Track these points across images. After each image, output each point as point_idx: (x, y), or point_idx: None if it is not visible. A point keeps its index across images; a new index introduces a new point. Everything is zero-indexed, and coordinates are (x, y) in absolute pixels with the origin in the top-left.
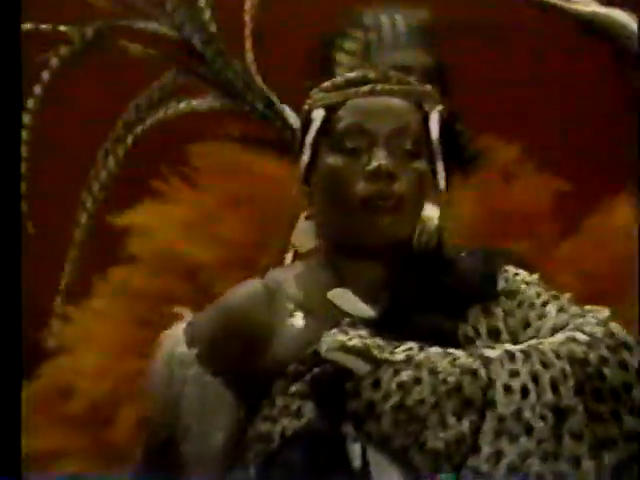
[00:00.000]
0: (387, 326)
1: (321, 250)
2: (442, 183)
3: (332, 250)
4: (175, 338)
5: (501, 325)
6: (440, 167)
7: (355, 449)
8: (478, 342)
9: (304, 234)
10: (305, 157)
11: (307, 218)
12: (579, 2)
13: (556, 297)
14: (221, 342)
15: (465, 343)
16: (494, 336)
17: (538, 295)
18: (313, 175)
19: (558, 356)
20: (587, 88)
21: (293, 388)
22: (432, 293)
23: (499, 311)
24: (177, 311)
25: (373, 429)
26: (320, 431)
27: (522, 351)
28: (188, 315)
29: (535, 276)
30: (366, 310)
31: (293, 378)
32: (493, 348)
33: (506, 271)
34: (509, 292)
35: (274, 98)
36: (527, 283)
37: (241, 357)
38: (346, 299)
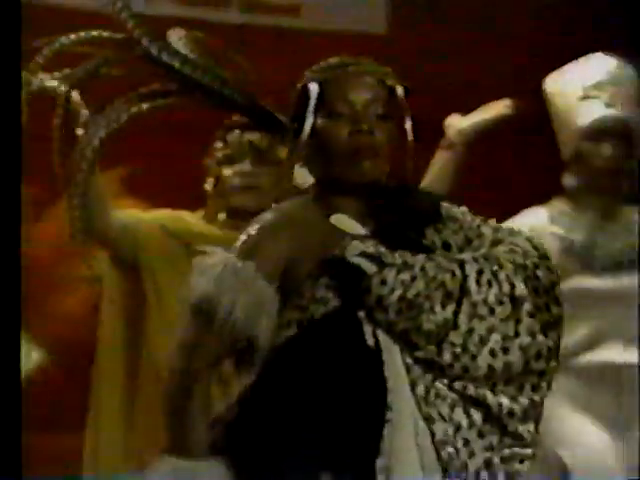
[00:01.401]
0: (378, 240)
1: (315, 188)
2: (410, 135)
3: (325, 188)
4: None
5: (451, 240)
6: (408, 124)
7: (368, 331)
8: (438, 252)
9: (303, 176)
10: (309, 120)
11: (301, 166)
12: None
13: (485, 221)
14: (270, 245)
15: (427, 253)
16: (447, 248)
17: (473, 220)
18: (301, 136)
19: (507, 260)
20: None
21: (321, 281)
22: (400, 217)
23: (447, 230)
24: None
25: (381, 317)
26: (342, 315)
27: (482, 256)
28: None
29: (465, 208)
30: (360, 229)
31: (319, 275)
32: (465, 254)
33: (443, 205)
34: (451, 218)
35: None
36: (462, 213)
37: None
38: (345, 221)
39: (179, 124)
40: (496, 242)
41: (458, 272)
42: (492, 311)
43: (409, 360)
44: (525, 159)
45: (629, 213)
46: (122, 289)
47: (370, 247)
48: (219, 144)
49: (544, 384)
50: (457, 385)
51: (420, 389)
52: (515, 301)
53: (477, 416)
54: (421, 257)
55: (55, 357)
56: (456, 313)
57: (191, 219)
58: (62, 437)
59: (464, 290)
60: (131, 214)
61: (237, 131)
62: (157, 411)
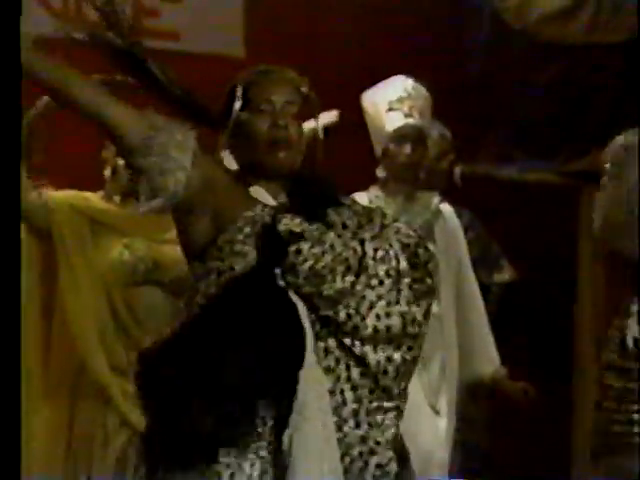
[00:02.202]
0: (290, 212)
1: (238, 172)
2: (321, 133)
3: (246, 172)
4: None
5: (348, 222)
6: (320, 123)
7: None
8: (337, 229)
9: (229, 162)
10: (233, 115)
11: (229, 153)
12: None
13: (373, 210)
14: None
15: (329, 228)
16: (344, 228)
17: (363, 208)
18: (229, 127)
19: (395, 240)
20: None
21: (240, 237)
22: (308, 198)
23: (344, 214)
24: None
25: (292, 280)
26: (259, 269)
27: (378, 236)
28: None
29: (354, 197)
30: (272, 202)
31: (240, 232)
32: (363, 235)
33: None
34: (346, 205)
35: None
36: (353, 201)
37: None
38: (261, 193)
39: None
40: (384, 226)
41: (359, 249)
42: (381, 282)
43: (312, 316)
44: (348, 155)
45: (426, 197)
46: (37, 256)
47: (297, 222)
48: None
49: (416, 346)
50: (346, 341)
51: (319, 343)
52: (399, 274)
53: (355, 371)
54: (331, 234)
55: None
56: (353, 283)
57: (93, 198)
58: None
59: (362, 264)
60: (44, 192)
61: None
62: (67, 351)
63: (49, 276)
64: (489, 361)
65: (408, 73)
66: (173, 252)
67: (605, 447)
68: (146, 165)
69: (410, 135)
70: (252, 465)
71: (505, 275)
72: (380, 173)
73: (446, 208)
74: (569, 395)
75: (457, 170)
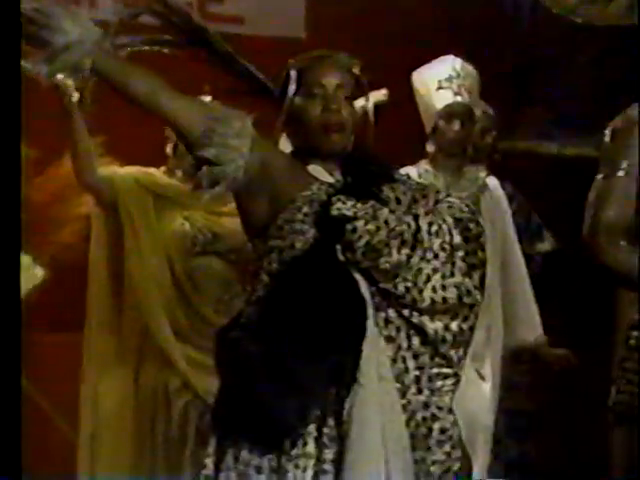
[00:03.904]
0: (344, 191)
1: (293, 154)
2: (372, 115)
3: (302, 154)
4: None
5: (402, 197)
6: (371, 106)
7: (343, 260)
8: (392, 204)
9: (285, 145)
10: (287, 100)
11: (285, 135)
12: None
13: (426, 186)
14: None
15: (384, 204)
16: (398, 203)
17: (417, 184)
18: (284, 111)
19: (448, 215)
20: None
21: (299, 216)
22: (363, 175)
23: (398, 189)
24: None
25: (350, 256)
26: (318, 245)
27: (432, 211)
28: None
29: (408, 173)
30: (330, 179)
31: (299, 211)
32: (417, 210)
33: (394, 170)
34: (400, 180)
35: None
36: (407, 177)
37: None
38: (319, 171)
39: None
40: (437, 201)
41: (413, 224)
42: (436, 256)
43: (372, 289)
44: (400, 130)
45: (472, 171)
46: (106, 227)
47: (349, 205)
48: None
49: (472, 315)
50: (405, 312)
51: (379, 314)
52: (453, 248)
53: (416, 340)
54: (385, 211)
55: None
56: (409, 257)
57: (157, 174)
58: (61, 335)
59: (417, 239)
60: (111, 169)
61: None
62: (135, 316)
63: (117, 246)
64: (532, 328)
65: (457, 54)
66: (230, 224)
67: (629, 408)
68: (207, 155)
69: (458, 112)
70: (316, 431)
71: (547, 245)
72: (429, 148)
73: (492, 181)
74: (609, 363)
75: (499, 145)
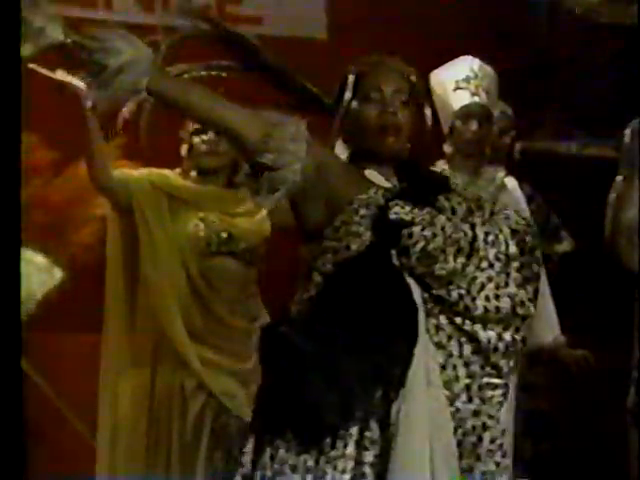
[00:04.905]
0: (401, 197)
1: (350, 158)
2: (429, 120)
3: (358, 159)
4: None
5: (457, 208)
6: (428, 111)
7: (397, 265)
8: (446, 214)
9: (342, 150)
10: (344, 104)
11: (341, 140)
12: None
13: (481, 197)
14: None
15: (439, 213)
16: (453, 213)
17: (473, 194)
18: (341, 116)
19: (505, 226)
20: None
21: (356, 218)
22: (419, 183)
23: (454, 200)
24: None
25: (405, 261)
26: (373, 249)
27: (488, 221)
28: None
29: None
30: (387, 184)
31: (356, 213)
32: (473, 219)
33: (451, 180)
34: (456, 191)
35: None
36: (465, 188)
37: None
38: (376, 176)
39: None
40: (493, 212)
41: (470, 232)
42: (491, 265)
43: (425, 295)
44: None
45: (490, 172)
46: (121, 229)
47: (407, 210)
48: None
49: (524, 327)
50: (457, 320)
51: (430, 320)
52: (508, 258)
53: (467, 348)
54: (442, 218)
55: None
56: (465, 265)
57: (171, 175)
58: (80, 336)
59: (473, 247)
60: (126, 171)
61: None
62: (149, 317)
63: (133, 248)
64: (550, 329)
65: (475, 54)
66: (245, 224)
67: None
68: (266, 162)
69: (476, 113)
70: (358, 434)
71: (565, 245)
72: (447, 148)
73: (510, 182)
74: (628, 364)
75: (517, 145)
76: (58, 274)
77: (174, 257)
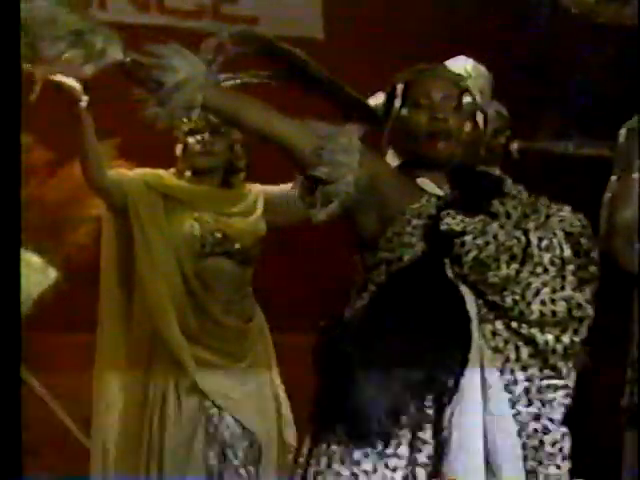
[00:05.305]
0: (453, 205)
1: (403, 164)
2: (481, 124)
3: (409, 167)
4: None
5: (512, 212)
6: (480, 117)
7: (450, 274)
8: (500, 219)
9: (393, 158)
10: (394, 113)
11: (391, 148)
12: None
13: (538, 199)
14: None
15: (493, 218)
16: (508, 218)
17: (528, 197)
18: (390, 124)
19: (559, 229)
20: None
21: (408, 229)
22: (471, 189)
23: (509, 204)
24: None
25: (458, 270)
26: (426, 259)
27: (543, 225)
28: None
29: (521, 187)
30: (439, 191)
31: (408, 224)
32: (527, 225)
33: (506, 184)
34: (511, 195)
35: None
36: (519, 191)
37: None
38: (428, 184)
39: None
40: (548, 215)
41: (523, 239)
42: (546, 270)
43: (479, 301)
44: None
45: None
46: (116, 229)
47: (458, 220)
48: (185, 120)
49: (583, 329)
50: (513, 325)
51: (486, 326)
52: (563, 262)
53: (524, 351)
54: (495, 225)
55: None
56: (518, 271)
57: (166, 175)
58: (74, 336)
59: (527, 253)
60: (120, 171)
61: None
62: (145, 318)
63: (127, 248)
64: None
65: (470, 54)
66: (240, 225)
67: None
68: (319, 175)
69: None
70: (410, 434)
71: None
72: None
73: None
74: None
75: (514, 145)
76: (53, 274)
77: (169, 257)
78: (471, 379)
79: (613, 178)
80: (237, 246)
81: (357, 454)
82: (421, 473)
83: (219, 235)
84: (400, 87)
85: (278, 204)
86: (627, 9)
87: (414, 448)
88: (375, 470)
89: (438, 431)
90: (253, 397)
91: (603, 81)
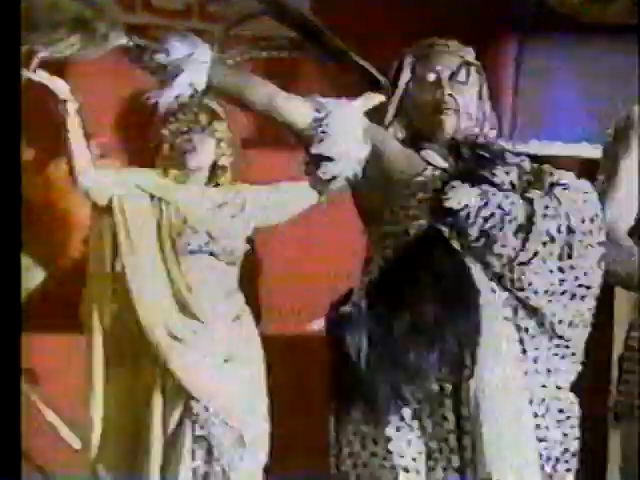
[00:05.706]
0: (457, 177)
1: (408, 137)
2: (486, 96)
3: (415, 140)
4: None
5: (516, 182)
6: (485, 89)
7: (456, 245)
8: (504, 189)
9: (398, 131)
10: (401, 86)
11: (397, 122)
12: None
13: (542, 169)
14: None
15: (497, 187)
16: (513, 187)
17: (532, 166)
18: (397, 97)
19: (563, 197)
20: None
21: (413, 202)
22: (476, 159)
23: (513, 173)
24: None
25: (463, 241)
26: (432, 231)
27: (547, 194)
28: None
29: (525, 157)
30: (444, 163)
31: (413, 197)
32: (531, 193)
33: (509, 154)
34: (515, 164)
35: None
36: (522, 160)
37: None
38: (432, 156)
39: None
40: (552, 184)
41: (528, 208)
42: (552, 239)
43: (487, 272)
44: None
45: None
46: (102, 228)
47: (462, 192)
48: (172, 119)
49: (590, 297)
50: (521, 295)
51: (494, 297)
52: (569, 230)
53: (532, 321)
54: (499, 195)
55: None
56: (524, 240)
57: (151, 174)
58: (60, 335)
59: (532, 222)
60: (106, 170)
61: (186, 110)
62: (133, 322)
63: (113, 247)
64: None
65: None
66: (225, 224)
67: (629, 408)
68: (323, 151)
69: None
70: (432, 410)
71: None
72: None
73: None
74: (608, 363)
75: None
76: (39, 274)
77: (154, 256)
78: (487, 347)
79: (600, 177)
80: (222, 246)
81: (389, 430)
82: (435, 447)
83: (205, 234)
84: (408, 61)
85: (266, 203)
86: (611, 8)
87: (435, 423)
88: (409, 443)
89: (458, 404)
90: (240, 396)
91: (590, 80)
